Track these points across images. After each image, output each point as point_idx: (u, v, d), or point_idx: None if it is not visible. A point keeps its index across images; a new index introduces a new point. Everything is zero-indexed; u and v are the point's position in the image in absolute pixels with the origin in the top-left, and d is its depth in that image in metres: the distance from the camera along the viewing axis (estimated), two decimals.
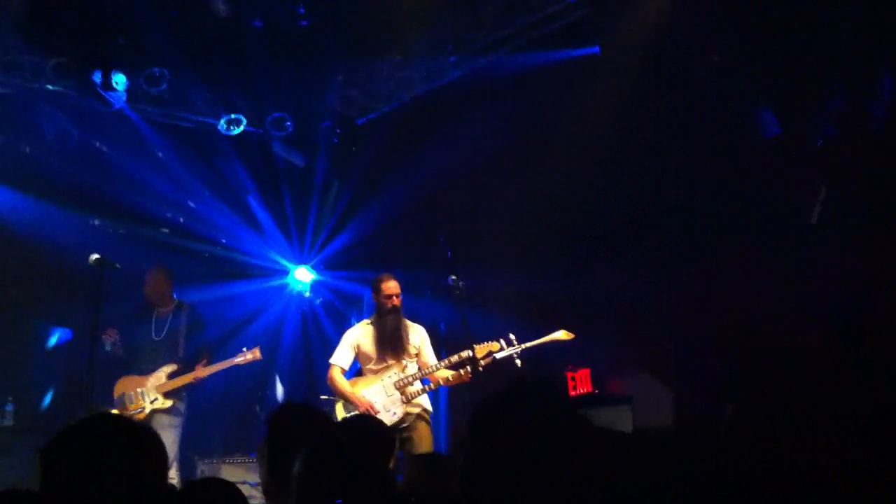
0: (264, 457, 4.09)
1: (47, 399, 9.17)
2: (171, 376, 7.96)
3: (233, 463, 8.37)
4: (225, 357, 8.20)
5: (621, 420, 7.22)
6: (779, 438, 1.62)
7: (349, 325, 8.25)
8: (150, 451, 2.63)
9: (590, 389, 8.01)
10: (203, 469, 8.38)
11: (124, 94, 9.02)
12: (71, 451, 2.55)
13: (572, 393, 7.98)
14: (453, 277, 7.10)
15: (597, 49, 8.82)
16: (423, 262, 9.10)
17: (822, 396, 1.61)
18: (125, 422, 2.87)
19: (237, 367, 8.20)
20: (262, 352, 8.21)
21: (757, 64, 7.65)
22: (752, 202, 7.48)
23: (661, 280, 8.02)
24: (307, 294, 10.69)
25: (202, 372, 7.95)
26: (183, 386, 7.96)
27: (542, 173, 8.74)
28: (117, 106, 9.10)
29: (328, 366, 7.59)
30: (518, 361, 7.00)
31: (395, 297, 7.50)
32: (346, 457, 3.15)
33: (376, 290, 7.58)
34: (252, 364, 8.24)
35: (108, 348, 7.90)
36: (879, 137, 6.87)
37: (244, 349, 8.11)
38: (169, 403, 7.92)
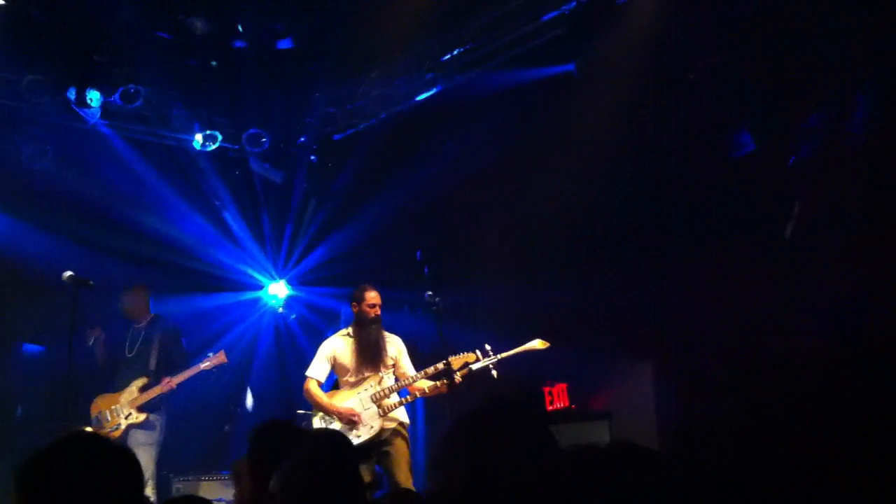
0: (245, 473, 4.08)
1: (22, 418, 9.07)
2: (142, 389, 7.92)
3: (209, 480, 8.32)
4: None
5: (599, 435, 7.24)
6: (779, 443, 1.63)
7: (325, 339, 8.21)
8: (125, 469, 2.62)
9: (567, 404, 8.01)
10: (179, 487, 8.33)
11: (99, 110, 8.99)
12: (46, 471, 2.53)
13: (550, 408, 7.98)
14: (430, 293, 7.11)
15: (572, 67, 8.88)
16: (400, 278, 9.10)
17: (819, 400, 1.63)
18: (100, 440, 2.86)
19: (210, 381, 8.18)
20: (228, 358, 8.19)
21: (732, 82, 7.73)
22: (729, 217, 7.55)
23: (642, 293, 8.06)
24: (281, 309, 10.66)
25: (171, 382, 7.92)
26: (158, 400, 7.92)
27: (520, 189, 8.80)
28: (92, 122, 9.07)
29: (304, 378, 7.54)
30: (494, 372, 6.99)
31: (377, 307, 7.47)
32: (322, 472, 3.15)
33: (359, 298, 7.51)
34: (224, 379, 8.21)
35: (89, 342, 7.86)
36: (855, 155, 6.95)
37: (209, 354, 8.08)
38: (143, 417, 7.87)
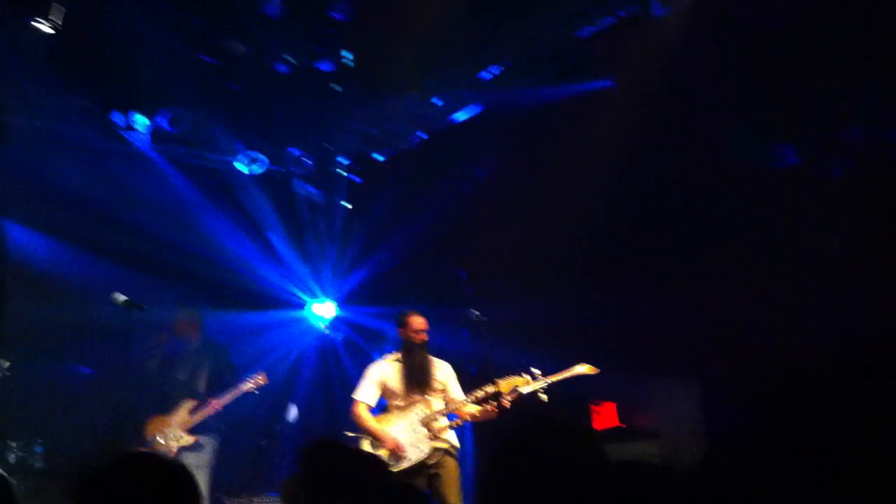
0: (296, 493, 4.10)
1: (75, 441, 9.20)
2: (191, 412, 8.01)
3: (259, 500, 8.37)
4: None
5: (648, 454, 7.20)
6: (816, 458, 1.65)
7: (370, 361, 8.15)
8: (184, 489, 2.63)
9: (616, 423, 7.96)
10: None
11: (147, 134, 9.15)
12: (104, 493, 2.54)
13: (598, 427, 7.93)
14: (476, 312, 7.11)
15: (610, 83, 8.91)
16: (444, 297, 9.12)
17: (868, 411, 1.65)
18: (158, 460, 2.86)
19: (252, 401, 8.22)
20: (270, 378, 8.24)
21: (773, 95, 7.71)
22: (774, 231, 7.51)
23: (686, 310, 8.03)
24: (326, 329, 10.73)
25: (217, 404, 8.00)
26: (206, 422, 8.01)
27: (560, 204, 8.80)
28: (139, 147, 9.23)
29: (351, 401, 7.59)
30: (544, 396, 6.97)
31: (422, 333, 7.47)
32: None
33: (403, 324, 7.54)
34: (267, 399, 8.24)
35: (154, 351, 7.96)
36: None
37: (251, 375, 8.14)
38: (192, 440, 7.96)
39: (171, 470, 2.69)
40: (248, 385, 8.08)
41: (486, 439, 8.27)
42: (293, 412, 10.15)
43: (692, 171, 8.10)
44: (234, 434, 8.80)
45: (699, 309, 7.90)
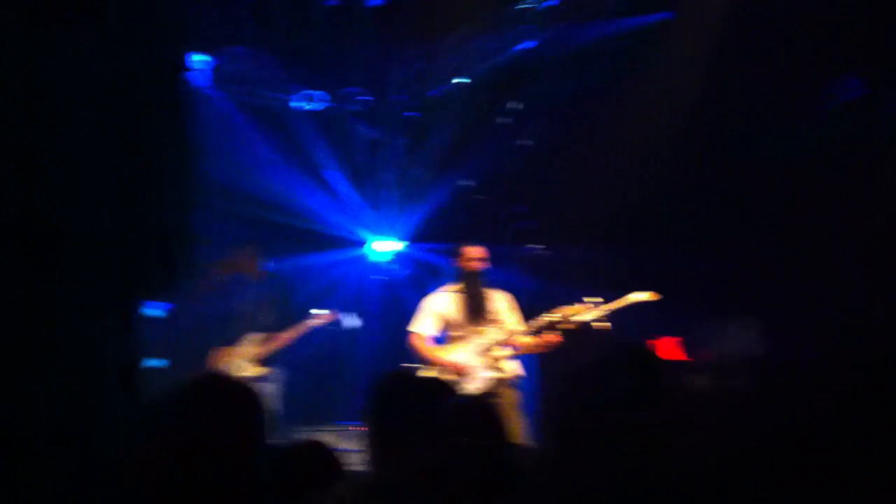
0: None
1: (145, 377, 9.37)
2: (258, 344, 8.17)
3: (323, 431, 8.54)
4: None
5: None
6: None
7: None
8: (253, 407, 2.60)
9: (683, 358, 7.94)
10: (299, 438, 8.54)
11: (209, 73, 9.20)
12: (178, 412, 2.53)
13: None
14: (537, 247, 7.12)
15: (670, 14, 8.76)
16: (501, 233, 9.12)
17: None
18: (229, 380, 2.89)
19: (317, 336, 8.34)
20: (336, 314, 8.33)
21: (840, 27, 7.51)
22: (841, 172, 7.38)
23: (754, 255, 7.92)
24: (386, 265, 10.81)
25: (284, 337, 8.15)
26: (275, 356, 8.16)
27: (624, 143, 8.71)
28: (200, 86, 9.28)
29: (407, 334, 7.66)
30: (606, 324, 6.97)
31: (477, 262, 7.51)
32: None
33: (459, 255, 7.59)
34: (331, 336, 8.34)
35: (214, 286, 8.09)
36: None
37: (318, 311, 8.24)
38: (259, 372, 8.12)
39: (242, 389, 2.67)
40: (316, 321, 8.22)
41: (548, 370, 8.31)
42: (352, 320, 10.16)
43: (758, 108, 7.97)
44: (302, 367, 8.97)
45: (769, 252, 7.79)
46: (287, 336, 8.18)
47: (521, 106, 9.40)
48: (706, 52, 8.19)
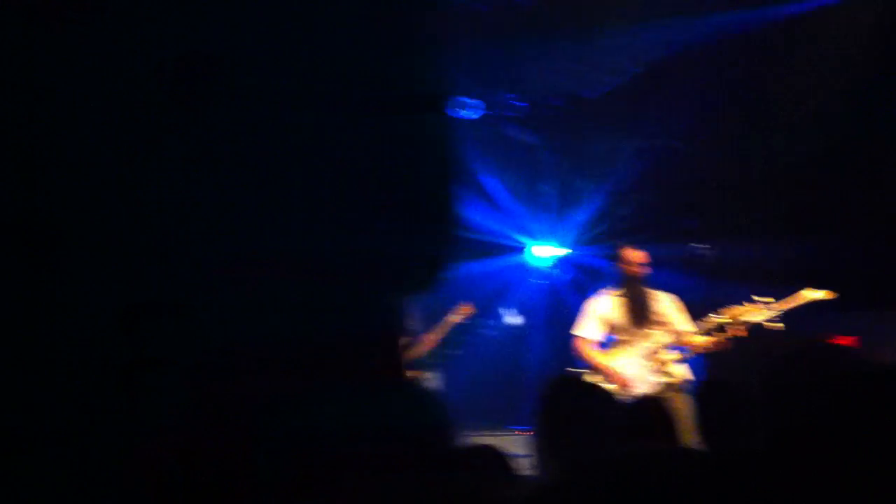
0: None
1: None
2: (404, 349, 8.25)
3: (493, 436, 8.58)
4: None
5: None
6: None
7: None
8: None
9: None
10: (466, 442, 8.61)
11: None
12: None
13: None
14: (701, 246, 6.97)
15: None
16: (667, 233, 8.94)
17: None
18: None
19: (483, 342, 8.37)
20: (474, 308, 8.33)
21: None
22: None
23: None
24: (547, 270, 10.78)
25: (430, 339, 8.20)
26: (424, 360, 8.20)
27: (788, 134, 8.41)
28: None
29: (571, 338, 7.58)
30: (779, 325, 6.72)
31: (637, 265, 7.40)
32: None
33: (619, 258, 7.51)
34: (499, 341, 8.33)
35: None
36: None
37: (455, 306, 8.24)
38: (421, 375, 8.20)
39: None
40: (455, 317, 8.24)
41: (718, 371, 8.08)
42: (513, 317, 10.16)
43: None
44: (470, 372, 9.03)
45: None
46: (433, 336, 8.23)
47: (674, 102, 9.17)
48: (868, 38, 7.81)
